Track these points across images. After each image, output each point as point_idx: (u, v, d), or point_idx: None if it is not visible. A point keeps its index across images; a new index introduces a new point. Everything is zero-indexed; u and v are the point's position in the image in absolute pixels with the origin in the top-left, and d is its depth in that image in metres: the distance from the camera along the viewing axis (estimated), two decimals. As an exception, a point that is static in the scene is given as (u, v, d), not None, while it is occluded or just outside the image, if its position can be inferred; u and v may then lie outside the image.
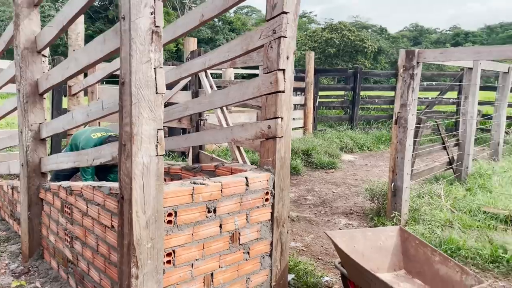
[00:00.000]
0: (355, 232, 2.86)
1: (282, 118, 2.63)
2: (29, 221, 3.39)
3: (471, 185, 5.37)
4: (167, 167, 3.58)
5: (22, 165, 3.38)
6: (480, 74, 5.76)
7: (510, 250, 3.44)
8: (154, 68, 1.96)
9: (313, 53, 10.65)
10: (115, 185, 2.47)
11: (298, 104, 10.41)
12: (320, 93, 11.80)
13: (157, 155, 2.01)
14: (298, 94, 10.88)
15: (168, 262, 2.19)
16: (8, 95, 13.82)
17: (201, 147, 5.63)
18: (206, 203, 2.34)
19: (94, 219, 2.56)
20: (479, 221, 4.15)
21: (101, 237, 2.48)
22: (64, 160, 3.07)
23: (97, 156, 2.57)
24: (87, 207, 2.65)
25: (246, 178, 2.53)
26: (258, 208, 2.63)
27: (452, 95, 12.44)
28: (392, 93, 13.73)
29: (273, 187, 2.68)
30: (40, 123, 3.36)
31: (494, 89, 9.36)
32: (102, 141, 3.76)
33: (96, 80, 4.88)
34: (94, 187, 2.56)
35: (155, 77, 1.96)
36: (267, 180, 2.65)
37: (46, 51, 4.22)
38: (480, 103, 6.36)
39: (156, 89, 1.98)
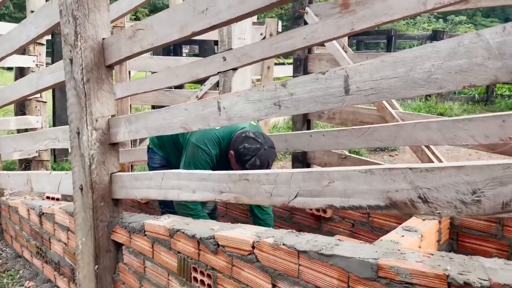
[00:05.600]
0: None
1: None
2: (97, 279, 2.02)
3: None
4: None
5: (81, 188, 1.98)
6: None
7: None
8: None
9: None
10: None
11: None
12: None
13: None
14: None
15: None
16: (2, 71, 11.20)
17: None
18: None
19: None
20: None
21: None
22: (172, 186, 1.69)
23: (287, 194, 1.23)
24: None
25: None
26: None
27: None
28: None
29: None
30: (110, 117, 1.95)
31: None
32: (230, 135, 2.19)
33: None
34: (300, 251, 1.26)
35: None
36: None
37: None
38: None
39: None
